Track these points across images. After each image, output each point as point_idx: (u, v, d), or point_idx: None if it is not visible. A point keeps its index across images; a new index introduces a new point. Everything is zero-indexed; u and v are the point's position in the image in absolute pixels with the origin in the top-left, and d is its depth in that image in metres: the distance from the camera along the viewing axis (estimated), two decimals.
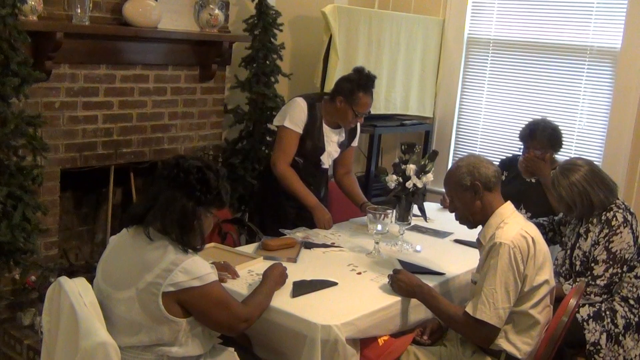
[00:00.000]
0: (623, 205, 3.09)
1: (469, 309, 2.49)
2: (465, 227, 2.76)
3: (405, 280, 2.68)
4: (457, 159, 5.23)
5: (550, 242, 3.35)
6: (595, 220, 3.08)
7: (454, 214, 2.74)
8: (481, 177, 2.59)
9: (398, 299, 2.68)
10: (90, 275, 2.34)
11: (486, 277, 2.48)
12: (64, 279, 2.24)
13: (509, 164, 3.98)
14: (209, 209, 2.26)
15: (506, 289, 2.46)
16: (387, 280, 2.75)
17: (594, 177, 3.08)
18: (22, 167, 3.16)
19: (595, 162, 3.23)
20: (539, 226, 3.34)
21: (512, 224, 2.55)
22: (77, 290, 2.19)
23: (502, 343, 2.54)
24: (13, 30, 2.98)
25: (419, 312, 2.74)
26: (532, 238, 2.53)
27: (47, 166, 3.50)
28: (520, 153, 3.85)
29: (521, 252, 2.48)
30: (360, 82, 3.50)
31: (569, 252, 3.17)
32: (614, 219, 3.03)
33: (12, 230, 3.06)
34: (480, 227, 2.67)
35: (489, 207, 2.61)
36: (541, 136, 3.72)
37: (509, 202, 2.65)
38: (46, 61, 3.40)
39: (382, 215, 3.06)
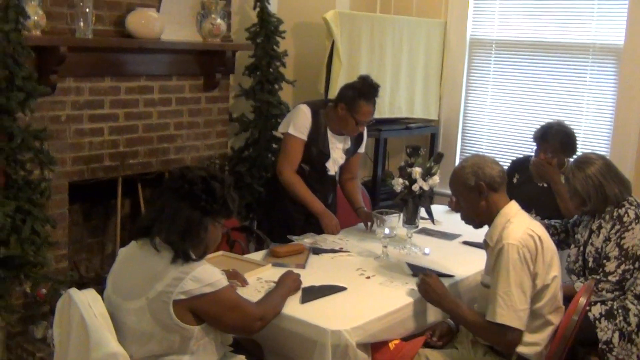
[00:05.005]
0: (635, 202, 3.08)
1: (489, 316, 2.47)
2: (473, 229, 2.76)
3: (432, 284, 2.64)
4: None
5: (562, 243, 3.33)
6: (607, 217, 3.07)
7: (459, 214, 2.73)
8: (485, 177, 2.58)
9: (408, 302, 2.68)
10: (100, 287, 2.35)
11: (499, 280, 2.46)
12: (73, 291, 2.25)
13: (520, 165, 3.95)
14: (216, 219, 2.28)
15: (522, 289, 2.44)
16: (416, 281, 2.72)
17: (609, 171, 3.09)
18: (30, 181, 3.18)
19: None
20: (551, 227, 3.34)
21: (518, 224, 2.55)
22: (86, 302, 2.20)
23: None
24: (17, 46, 3.00)
25: (429, 315, 2.74)
26: (539, 236, 2.52)
27: (55, 179, 3.51)
28: (533, 154, 3.83)
29: (529, 251, 2.47)
30: (363, 90, 3.49)
31: (581, 248, 3.16)
32: (626, 215, 3.03)
33: (22, 243, 3.08)
34: (486, 227, 2.67)
35: (494, 207, 2.60)
36: (553, 139, 3.70)
37: (513, 202, 2.64)
38: (51, 75, 3.41)
39: (378, 220, 3.06)
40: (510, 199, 2.65)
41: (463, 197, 2.64)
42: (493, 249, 2.56)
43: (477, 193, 2.59)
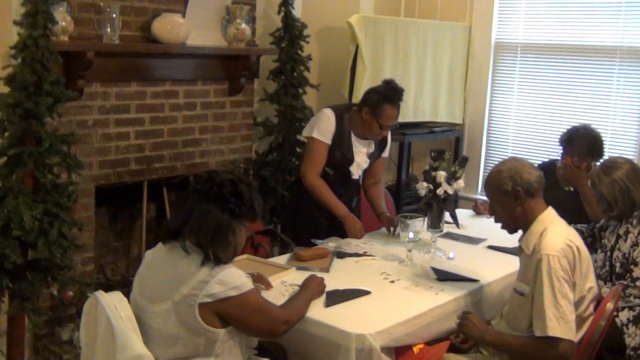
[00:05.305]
0: None
1: (539, 330, 2.42)
2: (498, 233, 2.73)
3: (474, 320, 2.60)
4: (488, 164, 5.22)
5: (589, 248, 3.29)
6: (634, 222, 3.04)
7: (493, 217, 2.68)
8: (523, 183, 2.52)
9: (432, 306, 2.67)
10: (126, 290, 2.37)
11: (544, 293, 2.41)
12: (100, 293, 2.27)
13: (546, 169, 3.90)
14: (242, 222, 2.29)
15: (568, 299, 2.41)
16: (456, 318, 2.65)
17: (636, 175, 3.05)
18: (58, 184, 3.21)
19: None
20: (577, 232, 3.30)
21: (556, 232, 2.50)
22: (113, 304, 2.22)
23: None
24: (45, 51, 3.04)
25: (453, 320, 2.72)
26: (577, 247, 2.49)
27: (82, 183, 3.55)
28: (559, 158, 3.80)
29: (569, 262, 2.44)
30: (387, 94, 3.49)
31: (608, 253, 3.13)
32: None
33: (49, 246, 3.11)
34: (519, 232, 2.63)
35: (531, 213, 2.56)
36: (579, 143, 3.67)
37: (550, 208, 2.60)
38: (78, 80, 3.45)
39: (403, 224, 3.06)
40: (548, 205, 2.60)
41: (498, 201, 2.59)
42: (530, 258, 2.52)
43: (513, 198, 2.54)
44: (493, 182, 2.59)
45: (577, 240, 2.52)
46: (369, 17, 4.65)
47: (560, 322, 2.38)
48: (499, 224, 2.68)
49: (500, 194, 2.57)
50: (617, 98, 4.59)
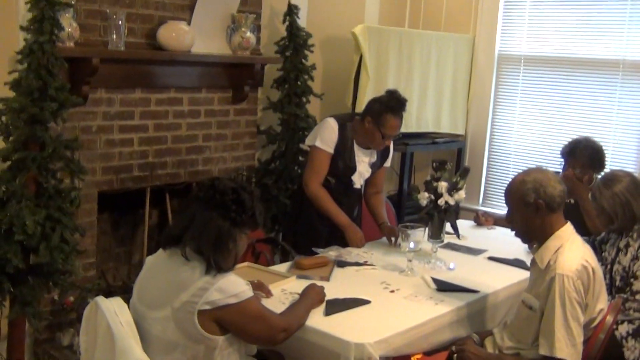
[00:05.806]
0: None
1: (545, 349, 2.41)
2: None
3: (475, 351, 2.60)
4: (490, 176, 5.23)
5: None
6: (635, 235, 3.04)
7: (510, 225, 2.67)
8: (546, 197, 2.49)
9: (432, 316, 2.67)
10: (127, 296, 2.37)
11: (555, 312, 2.40)
12: (100, 299, 2.28)
13: None
14: (243, 230, 2.29)
15: (578, 321, 2.40)
16: (453, 348, 2.65)
17: (636, 189, 3.05)
18: (60, 189, 3.22)
19: None
20: None
21: (572, 250, 2.49)
22: (113, 310, 2.22)
23: None
24: (51, 57, 3.05)
25: (452, 330, 2.73)
26: (593, 268, 2.47)
27: (85, 188, 3.56)
28: (561, 170, 3.81)
29: (583, 284, 2.43)
30: (390, 104, 3.50)
31: (609, 267, 3.13)
32: None
33: (51, 251, 3.12)
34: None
35: (549, 227, 2.53)
36: (581, 155, 3.67)
37: (568, 224, 2.57)
38: (83, 86, 3.47)
39: (404, 234, 3.06)
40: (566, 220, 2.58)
41: (518, 211, 2.56)
42: (543, 273, 2.51)
43: (534, 210, 2.50)
44: (515, 192, 2.55)
45: (593, 261, 2.51)
46: (373, 28, 4.67)
47: (569, 344, 2.38)
48: (513, 232, 2.65)
49: (521, 204, 2.53)
50: (619, 111, 4.60)
